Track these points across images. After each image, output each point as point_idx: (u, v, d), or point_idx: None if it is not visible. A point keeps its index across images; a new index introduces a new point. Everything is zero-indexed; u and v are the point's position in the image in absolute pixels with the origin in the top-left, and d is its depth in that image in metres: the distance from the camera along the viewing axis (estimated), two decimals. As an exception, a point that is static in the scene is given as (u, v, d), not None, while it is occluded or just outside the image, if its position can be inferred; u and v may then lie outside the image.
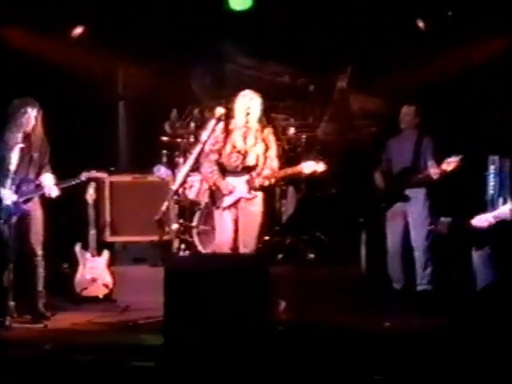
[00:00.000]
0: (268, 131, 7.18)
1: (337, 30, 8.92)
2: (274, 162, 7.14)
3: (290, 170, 7.30)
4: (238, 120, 7.09)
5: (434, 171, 7.59)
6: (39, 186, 7.30)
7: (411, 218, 7.89)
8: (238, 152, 7.09)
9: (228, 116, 7.07)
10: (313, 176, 7.40)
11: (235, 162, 7.09)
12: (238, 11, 8.98)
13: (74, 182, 7.49)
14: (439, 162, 7.54)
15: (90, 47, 8.88)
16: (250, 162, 7.07)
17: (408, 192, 7.85)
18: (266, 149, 7.11)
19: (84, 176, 7.55)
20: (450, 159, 7.43)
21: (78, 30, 8.94)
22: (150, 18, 8.81)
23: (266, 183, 7.12)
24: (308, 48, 9.05)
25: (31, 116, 7.22)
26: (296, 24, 8.92)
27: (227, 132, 7.08)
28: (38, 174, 7.34)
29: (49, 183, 7.31)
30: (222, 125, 7.04)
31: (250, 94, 7.13)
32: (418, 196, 7.85)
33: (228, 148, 7.09)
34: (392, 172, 8.02)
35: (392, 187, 7.95)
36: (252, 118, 7.08)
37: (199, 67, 9.39)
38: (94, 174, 7.60)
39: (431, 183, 7.72)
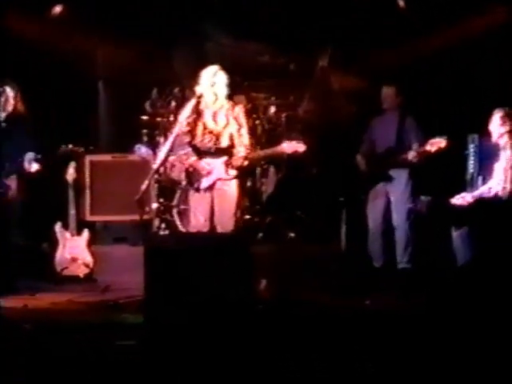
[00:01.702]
0: (239, 109, 7.04)
1: (317, 9, 8.88)
2: (246, 139, 6.99)
3: (270, 151, 7.25)
4: (207, 97, 6.94)
5: (412, 155, 7.57)
6: (21, 163, 7.32)
7: (393, 198, 7.89)
8: (210, 133, 6.98)
9: (200, 96, 6.96)
10: (294, 156, 7.39)
11: (208, 143, 6.98)
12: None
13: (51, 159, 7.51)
14: (422, 142, 7.52)
15: (70, 26, 8.81)
16: (224, 143, 6.97)
17: (391, 172, 7.85)
18: (239, 128, 6.99)
19: (62, 151, 7.58)
20: (433, 140, 7.38)
21: (58, 9, 8.87)
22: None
23: (246, 163, 7.04)
24: (289, 27, 9.01)
25: (10, 96, 7.20)
26: (276, 3, 8.87)
27: (198, 113, 6.96)
28: (21, 153, 7.33)
29: (28, 158, 7.31)
30: (192, 104, 6.93)
31: (213, 69, 6.98)
32: (400, 176, 7.84)
33: (199, 129, 6.98)
34: (375, 152, 8.00)
35: (375, 168, 7.94)
36: (219, 93, 6.94)
37: (180, 46, 9.34)
38: (70, 148, 7.64)
39: (413, 164, 7.70)
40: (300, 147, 6.97)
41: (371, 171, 7.95)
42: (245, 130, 7.02)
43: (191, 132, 6.97)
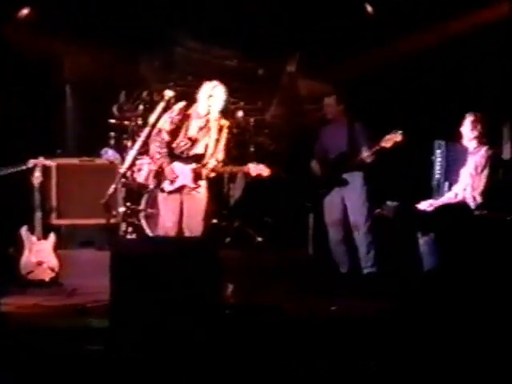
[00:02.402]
0: (224, 123, 7.11)
1: (285, 14, 8.91)
2: (220, 155, 7.06)
3: (236, 169, 7.41)
4: (200, 108, 7.02)
5: (366, 155, 7.62)
6: None
7: (349, 203, 7.92)
8: (189, 139, 7.02)
9: (177, 98, 6.99)
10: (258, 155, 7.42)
11: (182, 148, 7.02)
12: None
13: (20, 169, 7.43)
14: (371, 145, 7.56)
15: (37, 29, 8.76)
16: (198, 150, 7.01)
17: (345, 176, 7.86)
18: (217, 140, 7.04)
19: (31, 163, 7.50)
20: (388, 136, 7.42)
21: (25, 12, 8.81)
22: (99, 1, 8.72)
23: (212, 175, 7.08)
24: (257, 32, 9.03)
25: None
26: (245, 7, 8.89)
27: (184, 116, 7.01)
28: None
29: None
30: (181, 106, 7.00)
31: (213, 82, 7.05)
32: (355, 180, 7.87)
33: (181, 132, 7.02)
34: (327, 158, 8.02)
35: (328, 172, 7.96)
36: (214, 107, 7.00)
37: (148, 50, 9.33)
38: (41, 161, 7.56)
39: (368, 167, 7.72)
40: (264, 171, 7.08)
41: (325, 176, 7.96)
42: (221, 145, 7.07)
43: (172, 132, 6.99)
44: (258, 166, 7.12)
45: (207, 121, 7.03)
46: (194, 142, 7.03)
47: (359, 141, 7.80)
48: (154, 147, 7.00)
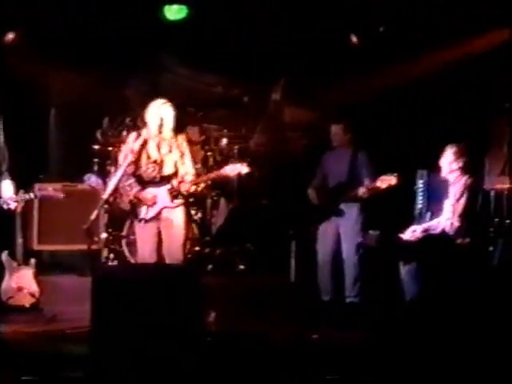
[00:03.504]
0: (182, 138, 7.07)
1: (272, 42, 8.97)
2: (189, 167, 7.01)
3: (214, 174, 7.29)
4: (151, 129, 6.96)
5: (362, 191, 7.63)
6: None
7: (343, 232, 7.92)
8: (154, 162, 6.96)
9: (142, 127, 6.99)
10: (243, 184, 7.41)
11: (152, 173, 6.95)
12: (173, 21, 8.99)
13: (27, 197, 7.32)
14: (373, 177, 7.59)
15: (23, 53, 8.78)
16: (168, 170, 6.96)
17: (342, 206, 7.88)
18: (182, 155, 7.00)
19: (39, 192, 7.41)
20: (384, 177, 7.42)
21: (10, 36, 8.84)
22: (85, 25, 8.75)
23: (192, 189, 7.03)
24: (242, 59, 9.09)
25: None
26: (230, 35, 8.95)
27: (142, 143, 6.93)
28: None
29: (8, 192, 7.05)
30: (133, 136, 6.95)
31: (161, 101, 7.00)
32: (351, 211, 7.86)
33: (143, 159, 6.96)
34: (326, 187, 8.03)
35: (326, 201, 7.98)
36: (165, 126, 6.94)
37: (135, 77, 9.38)
38: (49, 191, 7.51)
39: (365, 199, 7.78)
40: (242, 169, 7.00)
41: (322, 205, 8.00)
42: (188, 158, 7.03)
43: (135, 162, 6.93)
44: (234, 165, 7.06)
45: (163, 139, 6.96)
46: (160, 164, 6.96)
47: (361, 172, 7.82)
48: (122, 182, 6.88)
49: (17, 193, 6.91)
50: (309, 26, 8.69)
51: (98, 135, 8.95)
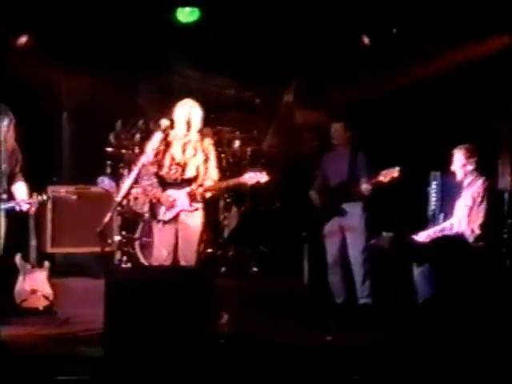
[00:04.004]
0: (208, 142, 7.09)
1: (283, 44, 8.98)
2: (213, 173, 7.04)
3: (232, 182, 7.24)
4: (179, 130, 7.00)
5: (364, 187, 7.61)
6: (11, 197, 7.11)
7: (348, 233, 7.91)
8: (177, 164, 6.99)
9: (171, 127, 6.99)
10: (256, 188, 7.40)
11: (174, 175, 6.99)
12: (185, 24, 9.01)
13: (40, 199, 7.35)
14: (374, 174, 7.56)
15: (35, 57, 8.81)
16: (190, 173, 6.98)
17: (344, 206, 7.87)
18: (206, 159, 7.01)
19: (51, 194, 7.48)
20: (386, 171, 7.42)
21: (23, 40, 8.87)
22: (97, 29, 8.77)
23: (208, 195, 7.05)
24: (254, 62, 9.09)
25: (2, 124, 7.08)
26: (242, 37, 8.96)
27: (167, 144, 6.98)
28: (10, 184, 7.19)
29: (21, 194, 7.09)
30: (160, 136, 6.92)
31: (189, 102, 7.04)
32: (354, 210, 7.86)
33: (167, 160, 6.99)
34: (328, 187, 8.02)
35: (328, 202, 7.97)
36: (193, 127, 6.99)
37: (146, 79, 9.39)
38: (62, 193, 7.55)
39: (367, 198, 7.75)
40: (262, 178, 6.99)
41: (325, 206, 7.98)
42: (213, 164, 7.05)
43: (158, 163, 6.98)
44: (254, 174, 7.02)
45: (189, 141, 7.00)
46: (183, 166, 6.99)
47: (360, 171, 7.82)
48: (144, 181, 6.96)
49: (30, 195, 6.94)
50: (321, 27, 8.69)
51: (111, 138, 8.96)
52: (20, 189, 7.04)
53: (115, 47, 8.91)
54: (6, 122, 7.02)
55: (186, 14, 8.98)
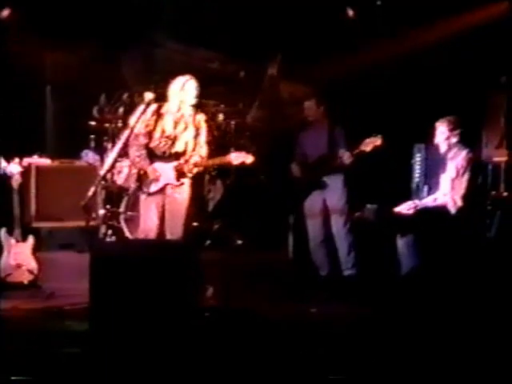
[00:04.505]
0: (200, 117, 7.07)
1: (267, 17, 8.94)
2: (203, 149, 7.03)
3: (218, 160, 7.25)
4: (172, 104, 6.99)
5: (346, 156, 7.60)
6: None
7: (330, 205, 7.93)
8: (167, 137, 6.98)
9: (157, 100, 6.96)
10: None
11: (163, 147, 6.98)
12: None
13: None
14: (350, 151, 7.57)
15: (18, 30, 8.75)
16: (179, 147, 6.97)
17: (326, 179, 7.88)
18: (197, 135, 7.00)
19: (25, 162, 7.53)
20: (368, 140, 7.42)
21: (5, 13, 8.81)
22: (80, 3, 8.72)
23: (195, 170, 7.05)
24: (239, 35, 9.06)
25: None
26: (226, 11, 8.92)
27: (158, 116, 6.97)
28: None
29: None
30: (153, 108, 6.93)
31: (185, 77, 7.03)
32: (335, 183, 7.87)
33: (158, 132, 6.98)
34: (308, 163, 8.02)
35: (309, 175, 7.97)
36: (186, 103, 6.98)
37: (130, 53, 9.34)
38: (36, 160, 7.60)
39: (348, 169, 7.74)
40: (247, 158, 7.01)
41: (306, 178, 7.98)
42: (202, 139, 7.04)
43: (149, 134, 6.97)
44: (239, 153, 7.08)
45: (182, 116, 7.00)
46: (173, 140, 6.99)
47: (339, 144, 7.82)
48: (133, 151, 6.97)
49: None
50: (305, 0, 8.66)
51: (95, 112, 8.94)
52: None
53: (99, 20, 8.86)
54: None
55: (170, -14, 8.96)
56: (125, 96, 8.86)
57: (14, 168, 7.22)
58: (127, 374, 5.07)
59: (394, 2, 8.57)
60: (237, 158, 7.02)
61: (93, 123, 8.91)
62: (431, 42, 8.58)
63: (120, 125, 8.62)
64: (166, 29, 9.28)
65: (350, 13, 8.96)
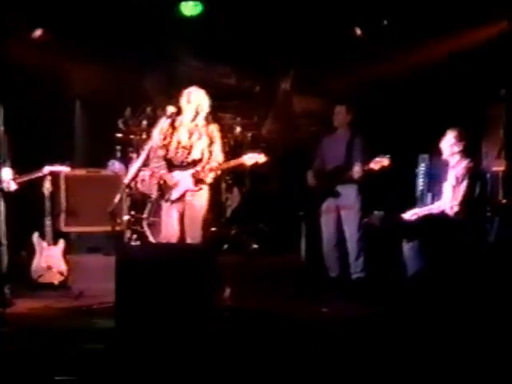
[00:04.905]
0: (213, 127, 7.09)
1: (281, 36, 8.97)
2: (218, 157, 7.05)
3: (232, 162, 7.24)
4: (186, 116, 7.01)
5: (356, 171, 7.55)
6: None
7: (343, 212, 7.87)
8: (184, 147, 7.01)
9: (178, 113, 7.01)
10: (257, 170, 7.40)
11: (181, 157, 7.01)
12: (189, 17, 9.01)
13: (37, 175, 7.56)
14: (368, 160, 7.52)
15: (50, 49, 8.81)
16: (195, 155, 6.99)
17: (340, 188, 7.81)
18: (211, 143, 7.02)
19: (46, 169, 7.59)
20: (377, 159, 7.38)
21: (38, 33, 8.87)
22: (108, 22, 8.76)
23: (212, 175, 7.05)
24: (254, 52, 9.09)
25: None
26: (242, 30, 8.95)
27: (173, 128, 7.01)
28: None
29: (6, 178, 7.26)
30: (167, 122, 6.97)
31: (196, 90, 7.06)
32: (349, 192, 7.80)
33: (174, 143, 7.01)
34: (325, 169, 7.97)
35: (324, 184, 7.94)
36: (200, 114, 7.00)
37: (153, 69, 9.38)
38: (56, 167, 7.66)
39: (362, 181, 7.73)
40: (260, 158, 7.02)
41: (321, 187, 7.96)
42: (217, 147, 7.05)
43: (166, 146, 7.00)
44: (252, 155, 7.05)
45: (195, 126, 7.01)
46: (189, 149, 7.00)
47: (355, 155, 7.75)
48: (153, 163, 7.02)
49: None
50: (315, 21, 8.67)
51: (121, 124, 8.97)
52: (6, 172, 7.25)
53: (126, 40, 8.90)
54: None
55: (190, 8, 8.99)
56: (148, 109, 8.90)
57: (11, 185, 7.30)
58: (149, 368, 5.08)
59: (400, 22, 8.56)
60: (250, 158, 7.02)
61: (118, 135, 8.94)
62: (434, 58, 8.56)
63: (144, 136, 8.64)
64: (186, 47, 9.32)
65: (358, 32, 8.95)
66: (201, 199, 7.03)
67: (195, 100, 6.98)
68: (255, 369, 5.14)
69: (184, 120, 7.02)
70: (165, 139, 6.98)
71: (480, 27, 8.43)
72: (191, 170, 6.97)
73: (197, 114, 6.99)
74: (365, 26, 8.88)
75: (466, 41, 8.46)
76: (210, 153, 7.01)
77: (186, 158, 7.00)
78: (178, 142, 7.02)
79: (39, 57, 8.76)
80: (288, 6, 8.54)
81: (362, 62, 8.88)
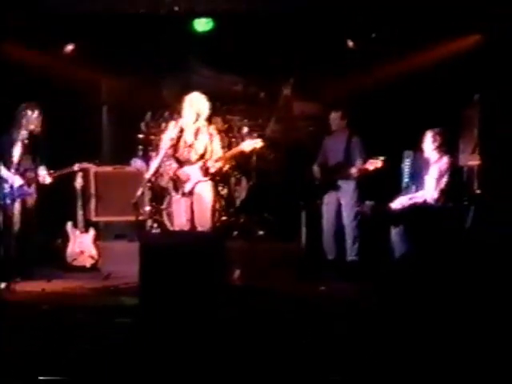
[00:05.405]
0: (212, 127, 7.17)
1: (282, 48, 9.01)
2: (218, 150, 7.13)
3: (234, 150, 7.34)
4: (189, 118, 7.03)
5: (354, 171, 7.68)
6: (37, 175, 7.43)
7: (343, 203, 7.94)
8: (190, 146, 7.07)
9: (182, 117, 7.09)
10: (262, 165, 7.39)
11: (188, 155, 7.07)
12: (201, 32, 9.07)
13: (69, 170, 7.69)
14: (365, 159, 7.63)
15: (80, 62, 8.87)
16: (199, 151, 7.05)
17: (340, 182, 7.91)
18: (211, 142, 7.09)
19: (77, 166, 7.73)
20: (372, 160, 7.48)
21: (70, 47, 8.93)
22: (130, 37, 8.84)
23: (217, 164, 7.10)
24: (258, 62, 9.13)
25: (32, 118, 7.28)
26: (248, 43, 8.99)
27: (181, 130, 7.04)
28: (37, 165, 7.46)
29: (42, 172, 7.44)
30: (173, 124, 7.05)
31: (195, 94, 7.09)
32: (349, 186, 7.88)
33: (181, 144, 7.07)
34: (327, 165, 8.09)
35: (327, 178, 8.05)
36: (201, 116, 7.03)
37: (170, 78, 9.46)
38: (84, 164, 7.80)
39: (359, 178, 7.83)
40: (257, 143, 7.11)
41: (324, 180, 8.10)
42: (216, 142, 7.13)
43: (174, 146, 7.07)
44: (250, 141, 7.14)
45: (198, 127, 7.06)
46: (194, 147, 7.07)
47: (354, 154, 7.84)
48: (165, 163, 7.07)
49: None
50: (312, 35, 8.71)
51: (142, 126, 9.02)
52: (42, 168, 7.48)
53: (146, 54, 8.97)
54: (35, 116, 7.36)
55: (202, 24, 9.03)
56: (166, 113, 8.93)
57: (46, 179, 7.49)
58: (170, 340, 5.13)
59: (386, 36, 8.61)
60: (248, 145, 7.11)
61: (140, 136, 8.97)
62: (417, 67, 8.60)
63: (162, 137, 8.69)
64: (198, 58, 9.38)
65: (350, 44, 9.00)
66: (207, 191, 7.07)
67: (196, 104, 7.04)
68: (260, 338, 5.20)
69: (187, 122, 7.08)
70: (172, 140, 7.03)
71: (457, 40, 8.45)
72: (199, 163, 7.04)
73: (198, 116, 7.03)
74: (356, 38, 8.92)
75: (445, 52, 8.46)
76: (212, 148, 7.08)
77: (193, 155, 7.08)
78: (185, 142, 7.08)
79: (71, 69, 8.83)
80: (288, 23, 8.57)
81: (353, 72, 8.90)
